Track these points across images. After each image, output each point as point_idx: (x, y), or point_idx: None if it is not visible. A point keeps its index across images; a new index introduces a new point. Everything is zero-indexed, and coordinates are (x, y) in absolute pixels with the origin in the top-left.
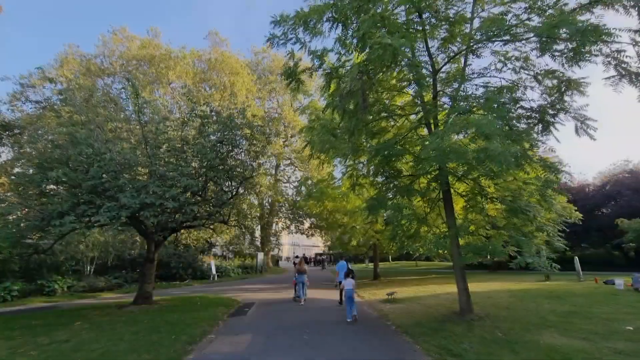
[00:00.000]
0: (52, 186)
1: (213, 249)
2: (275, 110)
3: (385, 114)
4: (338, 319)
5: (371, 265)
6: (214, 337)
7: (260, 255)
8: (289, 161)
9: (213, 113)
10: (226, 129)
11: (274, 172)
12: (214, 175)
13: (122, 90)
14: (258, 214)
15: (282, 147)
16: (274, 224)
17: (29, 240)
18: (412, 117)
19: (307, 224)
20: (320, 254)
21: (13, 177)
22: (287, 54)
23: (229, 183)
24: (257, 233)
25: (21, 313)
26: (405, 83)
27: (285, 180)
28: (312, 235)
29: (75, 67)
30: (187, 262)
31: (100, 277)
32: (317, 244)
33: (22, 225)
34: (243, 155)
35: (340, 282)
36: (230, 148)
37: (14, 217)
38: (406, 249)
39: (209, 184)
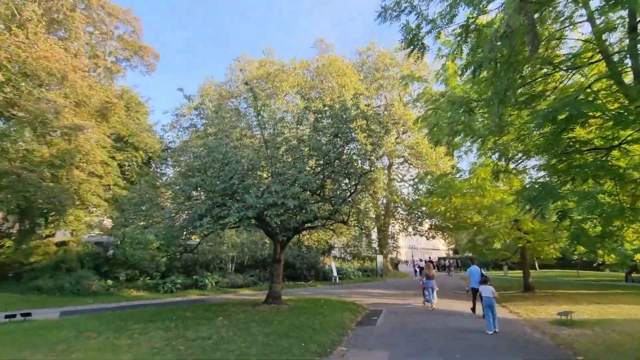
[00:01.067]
0: (195, 193)
1: (332, 251)
2: (385, 108)
3: (547, 70)
4: (481, 333)
5: (511, 273)
6: (345, 350)
7: (380, 258)
8: (402, 159)
9: (326, 107)
10: (340, 121)
11: (386, 171)
12: (331, 171)
13: (244, 99)
14: (375, 215)
15: (394, 145)
16: (390, 226)
17: (181, 240)
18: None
19: (426, 225)
20: (444, 258)
21: (168, 186)
22: (402, 27)
23: (347, 180)
24: (374, 235)
25: (181, 304)
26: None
27: (399, 179)
28: (433, 237)
29: (211, 94)
30: (309, 263)
31: (239, 275)
32: (437, 247)
33: (175, 227)
34: (359, 148)
35: (472, 290)
36: (345, 142)
37: (167, 221)
38: (592, 254)
39: (326, 182)
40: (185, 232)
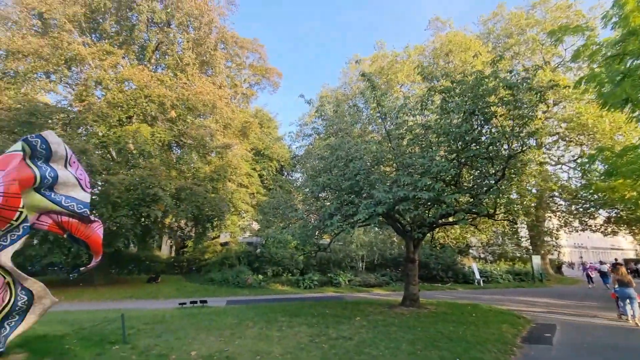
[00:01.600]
0: (323, 194)
1: (470, 250)
2: (530, 71)
3: None
4: None
5: None
6: None
7: (537, 259)
8: (555, 136)
9: (454, 84)
10: (476, 97)
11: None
12: (469, 156)
13: (361, 95)
14: (534, 204)
15: (542, 121)
16: (545, 220)
17: (315, 239)
18: None
19: (600, 218)
20: (635, 261)
21: (298, 188)
22: None
23: (489, 166)
24: (524, 232)
25: (319, 300)
26: None
27: (553, 162)
28: (613, 233)
29: (329, 99)
30: (445, 263)
31: (371, 274)
32: (619, 246)
33: (308, 227)
34: (503, 126)
35: None
36: (484, 120)
37: (301, 221)
38: None
39: (462, 170)
40: (318, 232)
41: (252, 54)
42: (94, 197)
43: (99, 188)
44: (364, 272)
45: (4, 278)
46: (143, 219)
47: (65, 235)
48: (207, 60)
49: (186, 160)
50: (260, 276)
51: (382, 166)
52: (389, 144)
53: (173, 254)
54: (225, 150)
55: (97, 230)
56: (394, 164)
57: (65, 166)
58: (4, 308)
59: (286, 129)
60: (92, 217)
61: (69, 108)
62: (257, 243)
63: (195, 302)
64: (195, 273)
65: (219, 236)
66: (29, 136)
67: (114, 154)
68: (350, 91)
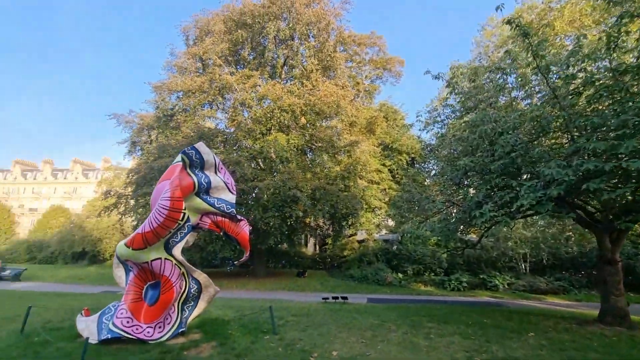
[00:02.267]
0: (465, 181)
1: None
2: None
3: None
4: None
5: None
6: None
7: None
8: None
9: None
10: None
11: None
12: None
13: (507, 55)
14: None
15: None
16: None
17: (459, 235)
18: None
19: None
20: None
21: (434, 177)
22: None
23: None
24: None
25: (473, 305)
26: None
27: None
28: None
29: (462, 70)
30: None
31: (539, 278)
32: None
33: (450, 220)
34: None
35: None
36: None
37: (440, 214)
38: None
39: None
40: (461, 226)
41: (370, 48)
42: (249, 202)
43: (253, 195)
44: (528, 275)
45: (180, 269)
46: (288, 219)
47: (221, 233)
48: (328, 65)
49: (318, 161)
50: (400, 274)
51: (545, 138)
52: (556, 106)
53: (317, 251)
54: (353, 148)
55: (245, 228)
56: (567, 131)
57: (215, 172)
58: (182, 294)
59: (414, 118)
60: (239, 216)
61: (225, 130)
62: (393, 240)
63: (337, 297)
64: (336, 269)
65: (356, 234)
66: (186, 149)
67: (260, 163)
68: (487, 62)
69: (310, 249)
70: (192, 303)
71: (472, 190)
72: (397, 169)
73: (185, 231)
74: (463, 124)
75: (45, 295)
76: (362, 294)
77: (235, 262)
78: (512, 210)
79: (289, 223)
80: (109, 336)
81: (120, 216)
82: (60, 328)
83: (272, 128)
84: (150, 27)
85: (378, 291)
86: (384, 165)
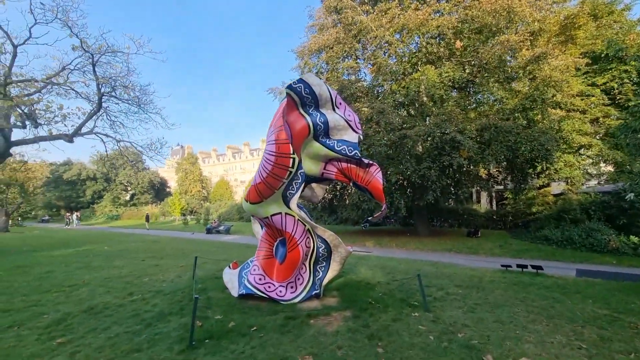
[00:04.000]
0: None
1: None
2: None
3: None
4: None
5: None
6: None
7: None
8: None
9: None
10: None
11: None
12: None
13: None
14: None
15: None
16: None
17: None
18: None
19: None
20: None
21: None
22: None
23: None
24: None
25: None
26: None
27: None
28: None
29: None
30: None
31: None
32: None
33: None
34: None
35: None
36: None
37: None
38: None
39: None
40: None
41: None
42: (400, 153)
43: (405, 145)
44: None
45: (304, 225)
46: (447, 170)
47: (351, 184)
48: None
49: (484, 93)
50: (636, 238)
51: None
52: None
53: (492, 208)
54: (538, 65)
55: (376, 174)
56: None
57: (333, 109)
58: (312, 253)
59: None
60: (367, 160)
61: (364, 78)
62: (617, 189)
63: (525, 266)
64: (522, 229)
65: (549, 184)
66: (291, 83)
67: (409, 108)
68: None
69: (484, 205)
70: (324, 264)
71: None
72: (618, 88)
73: (299, 180)
74: None
75: (238, 246)
76: (564, 262)
77: (369, 218)
78: None
79: (449, 174)
80: (244, 292)
81: None
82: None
83: (419, 63)
84: None
85: (593, 260)
86: (593, 85)
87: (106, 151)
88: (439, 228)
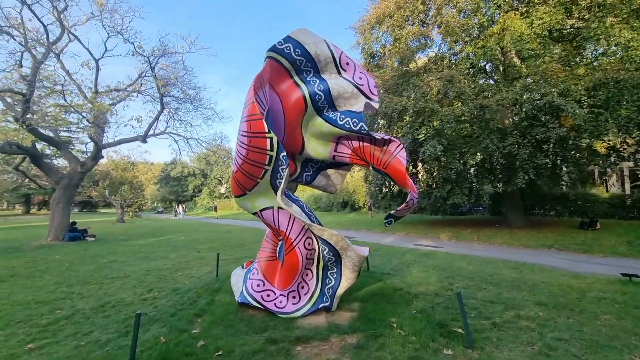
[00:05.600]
0: None
1: None
2: None
3: None
4: None
5: None
6: None
7: None
8: None
9: None
10: None
11: None
12: None
13: None
14: None
15: None
16: None
17: None
18: None
19: None
20: None
21: None
22: None
23: None
24: None
25: None
26: None
27: None
28: None
29: None
30: None
31: None
32: None
33: None
34: None
35: None
36: None
37: None
38: None
39: None
40: None
41: None
42: (476, 128)
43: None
44: None
45: (302, 223)
46: (545, 144)
47: (370, 168)
48: None
49: (599, 40)
50: None
51: None
52: None
53: (621, 192)
54: None
55: (398, 153)
56: None
57: (339, 72)
58: (316, 257)
59: None
60: (382, 135)
61: (429, 42)
62: None
63: None
64: None
65: None
66: (277, 43)
67: (494, 75)
68: None
69: (612, 188)
70: (335, 269)
71: None
72: None
73: (284, 166)
74: None
75: None
76: None
77: (393, 212)
78: None
79: (548, 150)
80: (239, 300)
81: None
82: None
83: (499, 12)
84: None
85: None
86: None
87: (179, 149)
88: (541, 217)
